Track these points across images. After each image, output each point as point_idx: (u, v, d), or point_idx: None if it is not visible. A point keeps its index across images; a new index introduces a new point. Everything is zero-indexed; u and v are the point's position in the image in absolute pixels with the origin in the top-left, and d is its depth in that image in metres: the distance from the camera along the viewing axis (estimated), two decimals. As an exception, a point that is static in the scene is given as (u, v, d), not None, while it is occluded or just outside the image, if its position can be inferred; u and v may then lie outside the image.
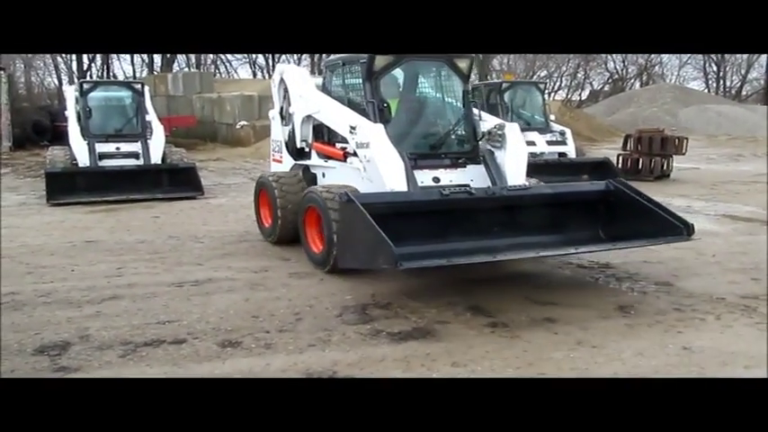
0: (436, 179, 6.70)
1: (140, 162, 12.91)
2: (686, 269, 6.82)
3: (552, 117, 15.59)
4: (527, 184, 6.71)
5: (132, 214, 10.47)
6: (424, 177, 6.63)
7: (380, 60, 6.81)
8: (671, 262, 7.09)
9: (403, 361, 4.39)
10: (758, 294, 5.92)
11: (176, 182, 12.51)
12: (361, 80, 6.99)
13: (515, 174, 6.78)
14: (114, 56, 43.72)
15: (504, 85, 15.47)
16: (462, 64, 7.21)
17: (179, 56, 44.15)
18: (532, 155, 14.28)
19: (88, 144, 12.65)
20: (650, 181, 14.40)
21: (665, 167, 14.94)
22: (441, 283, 6.18)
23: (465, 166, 6.93)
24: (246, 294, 5.90)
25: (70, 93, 14.04)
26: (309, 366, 4.29)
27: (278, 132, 8.88)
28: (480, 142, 7.12)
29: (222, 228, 9.26)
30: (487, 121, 7.23)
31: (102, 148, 12.81)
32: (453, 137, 7.14)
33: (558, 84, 54.52)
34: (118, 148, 13.01)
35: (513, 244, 6.01)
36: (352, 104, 7.13)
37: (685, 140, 15.37)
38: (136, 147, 13.10)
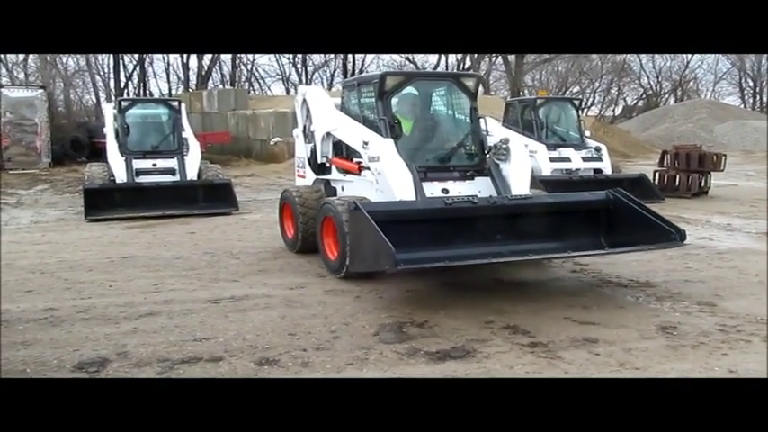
0: (445, 190, 7.13)
1: (177, 178, 13.06)
2: (729, 289, 6.68)
3: (587, 133, 15.50)
4: (530, 193, 7.16)
5: (168, 230, 10.55)
6: (434, 189, 7.08)
7: (391, 80, 7.41)
8: (712, 281, 6.96)
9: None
10: (804, 315, 5.77)
11: (212, 198, 12.61)
12: (374, 99, 7.49)
13: (519, 184, 7.17)
14: (150, 74, 44.49)
15: (539, 102, 15.44)
16: (469, 82, 7.71)
17: (214, 73, 44.80)
18: (568, 171, 14.26)
19: (126, 160, 12.86)
20: (688, 198, 14.20)
21: (702, 184, 14.71)
22: (478, 301, 6.12)
23: (473, 179, 7.36)
24: (283, 311, 5.89)
25: (108, 110, 14.29)
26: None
27: (301, 149, 9.46)
28: (487, 156, 7.50)
29: (257, 243, 9.29)
30: (494, 136, 7.68)
31: (139, 164, 13.02)
32: (461, 151, 7.59)
33: (591, 99, 54.31)
34: (155, 165, 13.19)
35: (516, 251, 6.38)
36: (366, 122, 7.65)
37: (723, 157, 15.12)
38: (172, 163, 13.27)
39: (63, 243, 9.46)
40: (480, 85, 8.16)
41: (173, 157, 13.35)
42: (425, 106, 7.94)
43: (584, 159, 14.58)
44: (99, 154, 17.47)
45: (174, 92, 43.10)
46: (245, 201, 14.00)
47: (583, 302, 6.18)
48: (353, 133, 7.67)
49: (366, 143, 7.16)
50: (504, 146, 7.33)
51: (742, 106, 51.10)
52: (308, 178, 9.16)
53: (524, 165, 7.40)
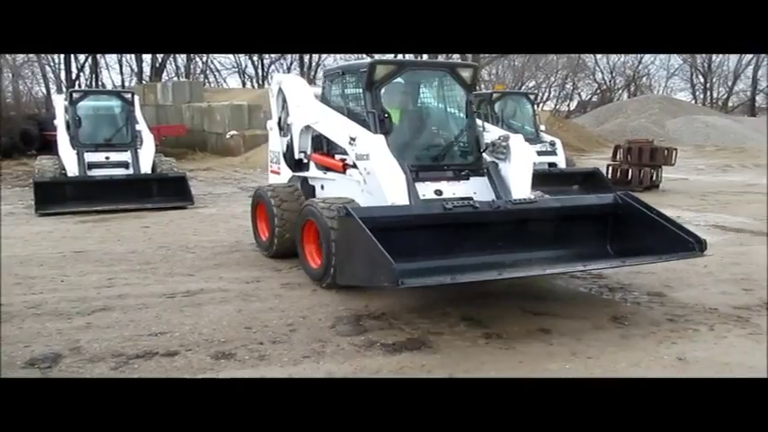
0: (438, 192, 6.57)
1: (130, 172, 12.85)
2: (678, 280, 6.83)
3: (542, 127, 15.65)
4: (532, 196, 6.58)
5: (122, 224, 10.40)
6: (426, 190, 6.49)
7: (381, 69, 6.68)
8: (663, 272, 7.10)
9: (398, 372, 4.36)
10: (750, 305, 5.93)
11: (166, 191, 12.45)
12: (361, 90, 6.84)
13: (520, 186, 6.65)
14: (103, 65, 43.70)
15: (495, 96, 15.52)
16: (465, 73, 7.02)
17: (168, 65, 44.22)
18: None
19: (77, 153, 12.59)
20: (640, 191, 14.40)
21: (654, 178, 15.00)
22: (434, 293, 6.14)
23: (468, 179, 6.79)
24: (239, 305, 5.86)
25: (59, 102, 13.96)
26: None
27: (276, 143, 8.66)
28: (484, 154, 6.99)
29: (213, 237, 9.21)
30: (491, 132, 7.15)
31: (91, 157, 12.76)
32: (456, 148, 6.99)
33: (546, 94, 54.84)
34: (107, 158, 12.95)
35: (519, 259, 5.84)
36: (351, 115, 6.98)
37: (674, 151, 15.45)
38: (125, 156, 13.05)
39: (13, 238, 9.24)
40: (477, 77, 7.41)
41: (126, 150, 13.12)
42: (417, 99, 7.30)
43: (540, 153, 14.67)
44: (50, 147, 17.10)
45: (127, 84, 42.50)
46: (200, 195, 13.88)
47: (537, 294, 6.28)
48: (338, 127, 6.98)
49: (353, 139, 6.55)
50: (503, 143, 6.82)
51: (693, 102, 52.15)
52: (283, 175, 8.41)
53: (526, 165, 6.84)
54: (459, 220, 5.80)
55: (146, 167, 13.04)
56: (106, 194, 11.86)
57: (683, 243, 5.78)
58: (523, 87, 46.84)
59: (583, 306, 5.92)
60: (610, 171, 15.31)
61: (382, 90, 6.77)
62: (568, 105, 54.96)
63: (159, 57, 41.84)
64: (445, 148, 6.92)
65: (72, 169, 12.50)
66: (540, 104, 52.69)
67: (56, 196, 11.62)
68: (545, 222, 6.19)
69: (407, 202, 6.11)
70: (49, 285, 6.60)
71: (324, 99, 7.64)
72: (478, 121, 7.21)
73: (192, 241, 8.90)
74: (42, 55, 38.43)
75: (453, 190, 6.64)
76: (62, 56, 38.96)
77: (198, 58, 46.11)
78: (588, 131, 33.76)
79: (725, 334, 5.17)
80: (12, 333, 5.15)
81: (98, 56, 41.51)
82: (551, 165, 14.67)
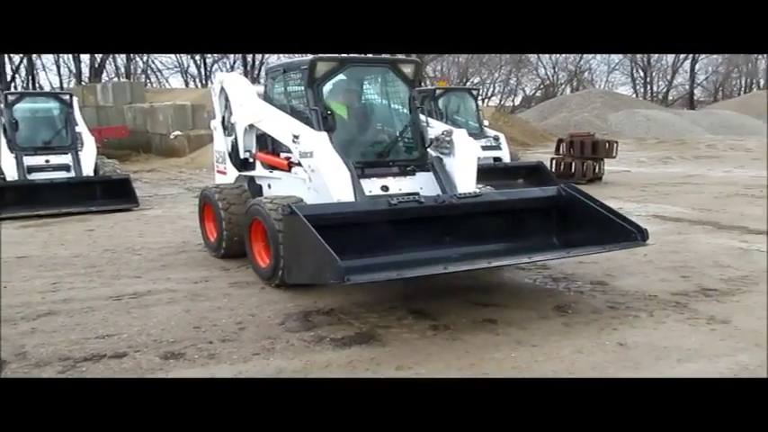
0: (385, 188, 6.58)
1: (72, 175, 12.59)
2: (620, 269, 7.02)
3: (486, 123, 15.85)
4: (477, 190, 6.65)
5: (66, 228, 10.22)
6: (372, 186, 6.51)
7: (322, 66, 6.67)
8: (605, 262, 7.28)
9: (348, 366, 4.41)
10: (688, 291, 6.14)
11: (110, 194, 12.26)
12: (303, 87, 6.82)
13: (465, 180, 6.70)
14: (39, 66, 42.69)
15: (438, 92, 15.67)
16: (407, 69, 7.05)
17: (108, 65, 43.40)
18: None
19: (16, 157, 12.29)
20: (583, 184, 14.71)
21: (596, 170, 15.35)
22: (382, 288, 6.20)
23: (414, 174, 6.82)
24: (187, 305, 5.83)
25: (-8, 104, 13.63)
26: (254, 375, 4.27)
27: (221, 143, 8.59)
28: (429, 149, 7.03)
29: (159, 239, 9.12)
30: (435, 128, 7.19)
31: (30, 161, 12.47)
32: (401, 144, 7.01)
33: (491, 90, 55.56)
34: (47, 161, 12.67)
35: (466, 253, 5.88)
36: (294, 112, 6.95)
37: (615, 144, 15.82)
38: (66, 159, 12.78)
39: (-49, 244, 9.03)
40: (420, 72, 7.44)
41: (66, 153, 12.84)
42: (360, 95, 7.25)
43: (484, 148, 14.85)
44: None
45: (65, 85, 41.56)
46: (145, 196, 13.70)
47: (483, 286, 6.39)
48: (281, 126, 6.95)
49: (297, 137, 6.53)
50: (447, 138, 6.85)
51: (634, 96, 53.38)
52: (229, 175, 8.32)
53: (470, 159, 6.87)
54: (404, 215, 5.83)
55: (88, 170, 12.79)
56: (48, 198, 11.61)
57: (626, 233, 5.89)
58: (468, 83, 47.31)
59: (528, 297, 6.05)
60: (554, 164, 15.60)
61: (324, 87, 6.77)
62: (513, 101, 55.81)
63: (98, 57, 41.03)
64: (390, 143, 6.93)
65: (11, 174, 12.19)
66: (485, 100, 53.48)
67: (-4, 201, 11.35)
68: (491, 216, 6.28)
69: (353, 199, 6.12)
70: (-10, 291, 6.47)
71: (266, 97, 7.59)
72: (422, 117, 7.24)
73: (137, 243, 8.80)
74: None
75: (399, 185, 6.66)
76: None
77: (138, 58, 45.42)
78: (532, 126, 34.28)
79: (663, 319, 5.34)
80: (-46, 340, 5.04)
81: (34, 57, 40.59)
82: (496, 159, 14.89)
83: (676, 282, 6.50)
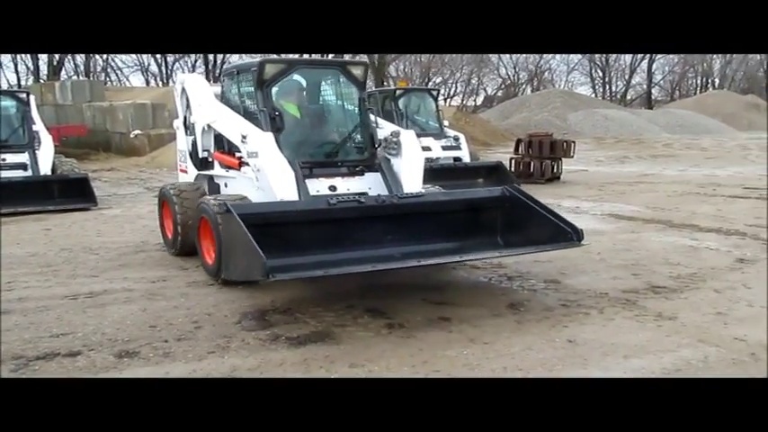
0: (332, 187, 6.69)
1: (29, 173, 12.44)
2: (573, 267, 7.17)
3: (446, 123, 16.00)
4: (423, 190, 6.77)
5: (22, 227, 10.10)
6: (320, 186, 6.64)
7: (270, 68, 6.82)
8: (559, 261, 7.43)
9: (302, 364, 4.47)
10: (638, 288, 6.30)
11: (68, 193, 12.13)
12: (253, 88, 6.97)
13: (411, 181, 6.83)
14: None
15: (399, 92, 15.77)
16: (357, 71, 7.22)
17: (66, 63, 42.69)
18: (428, 160, 14.67)
19: (-29, 156, 12.14)
20: (542, 183, 15.00)
21: (555, 170, 15.59)
22: (341, 287, 6.26)
23: (363, 174, 6.94)
24: (144, 305, 5.84)
25: (-49, 103, 13.41)
26: (209, 373, 4.31)
27: (183, 142, 8.73)
28: (378, 150, 7.14)
29: (118, 239, 9.07)
30: (384, 129, 7.30)
31: (-14, 159, 12.32)
32: (350, 144, 7.14)
33: (453, 89, 55.90)
34: (4, 160, 12.50)
35: (407, 252, 5.98)
36: (246, 113, 7.09)
37: (573, 144, 16.09)
38: (23, 158, 12.63)
39: None
40: (368, 73, 7.62)
41: (23, 152, 12.69)
42: (310, 96, 7.43)
43: (444, 148, 15.04)
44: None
45: (24, 83, 40.81)
46: (104, 196, 13.59)
47: (439, 285, 6.49)
48: (232, 126, 7.10)
49: (245, 137, 6.69)
50: (394, 139, 7.00)
51: (593, 95, 54.13)
52: (190, 173, 8.49)
53: (416, 160, 7.01)
54: (344, 215, 5.97)
55: (45, 169, 12.65)
56: (4, 197, 11.45)
57: (563, 233, 6.02)
58: (430, 83, 47.60)
59: (482, 295, 6.17)
60: (513, 164, 15.79)
61: (274, 89, 6.92)
62: (475, 101, 56.26)
63: (56, 55, 40.38)
64: (339, 144, 7.07)
65: (-34, 172, 12.03)
66: (447, 100, 53.86)
67: (-51, 201, 11.17)
68: (434, 216, 6.40)
69: (296, 198, 6.25)
70: (-57, 291, 6.40)
71: (224, 98, 7.72)
72: (374, 117, 7.38)
73: (95, 243, 8.75)
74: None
75: (347, 186, 6.78)
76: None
77: (98, 57, 44.80)
78: (494, 126, 34.60)
79: (613, 316, 5.49)
80: None
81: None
82: (456, 159, 15.04)
83: (627, 279, 6.66)
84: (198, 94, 8.04)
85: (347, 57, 25.84)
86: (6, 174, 12.24)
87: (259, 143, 6.54)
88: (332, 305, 5.73)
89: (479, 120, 35.63)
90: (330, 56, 18.68)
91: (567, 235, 6.00)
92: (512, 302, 5.87)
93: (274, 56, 6.98)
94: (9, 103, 13.48)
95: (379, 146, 7.13)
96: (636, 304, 5.82)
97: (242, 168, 7.15)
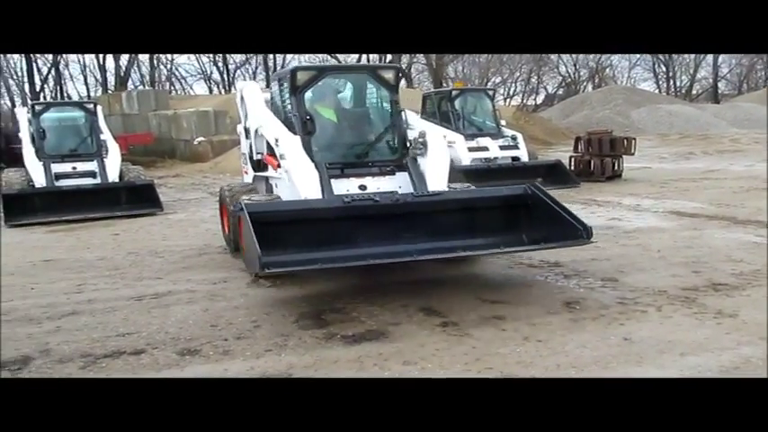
0: (363, 187, 6.94)
1: (97, 181, 12.93)
2: (632, 265, 7.09)
3: (503, 122, 15.95)
4: (446, 189, 6.93)
5: (92, 232, 10.50)
6: (351, 185, 6.92)
7: (302, 75, 7.20)
8: (617, 259, 7.37)
9: (356, 361, 4.55)
10: (698, 286, 6.18)
11: (135, 199, 12.58)
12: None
13: (436, 179, 6.98)
14: (67, 76, 43.37)
15: (455, 93, 15.79)
16: (388, 74, 7.48)
17: (133, 74, 43.96)
18: (486, 160, 14.68)
19: (44, 165, 12.68)
20: (602, 181, 14.79)
21: (615, 167, 15.34)
22: (395, 288, 6.37)
23: (394, 174, 7.15)
24: (206, 305, 6.03)
25: (23, 114, 14.07)
26: (266, 370, 4.43)
27: (244, 146, 9.27)
28: (409, 150, 7.34)
29: (182, 242, 9.35)
30: (415, 129, 7.47)
31: (58, 168, 12.88)
32: (381, 145, 7.39)
33: (513, 89, 55.41)
34: (74, 168, 13.06)
35: (423, 249, 6.13)
36: (286, 117, 7.47)
37: (633, 141, 15.82)
38: (92, 166, 13.16)
39: (-18, 250, 9.34)
40: (401, 77, 7.90)
41: (92, 160, 13.24)
42: (341, 100, 7.80)
43: (502, 148, 15.01)
44: (16, 160, 17.07)
45: (92, 94, 42.20)
46: (169, 201, 13.99)
47: (494, 284, 6.53)
48: (270, 130, 7.57)
49: (277, 140, 7.10)
50: (420, 139, 7.16)
51: (657, 91, 52.95)
52: (249, 175, 9.06)
53: (441, 159, 7.17)
54: (358, 213, 6.18)
55: (113, 176, 13.14)
56: (75, 204, 11.97)
57: (575, 231, 6.06)
58: (489, 83, 47.33)
59: (537, 293, 6.15)
60: (572, 163, 15.62)
61: (308, 94, 7.29)
62: (535, 100, 55.56)
63: (123, 66, 41.68)
64: (369, 145, 7.34)
65: (39, 180, 12.58)
66: (507, 100, 53.45)
67: (25, 207, 11.72)
68: (452, 213, 6.53)
69: (319, 197, 6.58)
70: (19, 293, 6.72)
71: (273, 104, 8.13)
72: (410, 118, 7.63)
73: (161, 246, 9.03)
74: (4, 67, 38.36)
75: (378, 185, 7.01)
76: (25, 69, 38.77)
77: (162, 66, 45.99)
78: (554, 125, 34.21)
79: (671, 314, 5.41)
80: (-17, 338, 5.27)
81: (61, 67, 41.33)
82: (514, 159, 14.99)
83: (687, 277, 6.55)
84: (251, 101, 8.51)
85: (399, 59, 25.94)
86: (76, 182, 12.77)
87: (287, 146, 6.96)
88: (387, 304, 5.81)
89: (539, 119, 35.28)
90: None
91: (577, 232, 6.04)
92: (567, 300, 5.85)
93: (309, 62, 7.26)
94: (77, 113, 14.07)
95: (408, 146, 7.32)
96: (695, 302, 5.72)
97: (278, 170, 7.54)
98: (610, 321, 5.27)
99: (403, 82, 7.87)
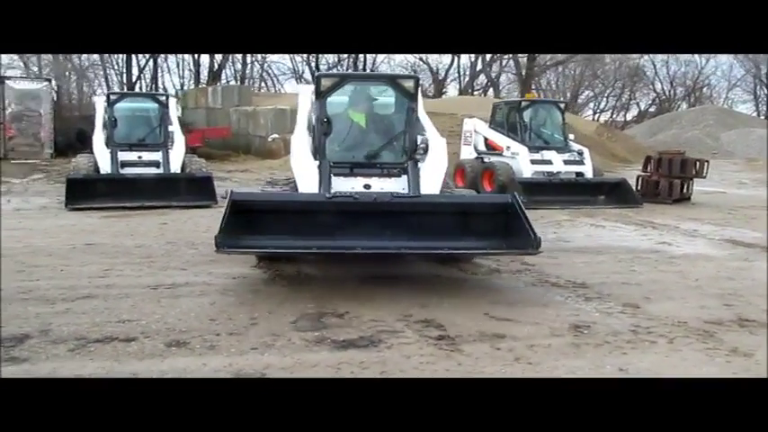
0: (367, 186, 7.34)
1: (161, 171, 13.31)
2: (662, 292, 6.80)
3: (571, 137, 15.54)
4: (432, 193, 7.20)
5: (143, 220, 10.81)
6: (356, 184, 7.32)
7: (326, 81, 7.66)
8: (649, 284, 7.08)
9: (334, 367, 4.50)
10: (723, 320, 5.86)
11: (193, 190, 12.85)
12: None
13: (430, 183, 7.31)
14: (165, 68, 44.86)
15: (524, 104, 15.53)
16: (407, 83, 7.75)
17: (227, 69, 45.13)
18: (548, 174, 14.38)
19: (111, 152, 13.13)
20: (668, 204, 14.27)
21: (684, 190, 14.76)
22: (408, 295, 6.32)
23: (400, 176, 7.47)
24: (214, 298, 6.11)
25: (99, 103, 14.59)
26: (242, 368, 4.43)
27: None
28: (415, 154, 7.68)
29: (222, 236, 9.48)
30: (427, 134, 7.85)
31: (124, 156, 13.31)
32: (390, 149, 7.74)
33: (605, 103, 54.16)
34: (140, 157, 13.49)
35: (402, 246, 6.61)
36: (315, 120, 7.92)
37: (706, 163, 15.18)
38: (157, 156, 13.56)
39: (36, 230, 9.75)
40: (419, 86, 8.15)
41: (158, 150, 13.63)
42: (360, 105, 8.09)
43: (566, 162, 14.68)
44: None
45: (186, 87, 43.57)
46: (228, 194, 14.22)
47: (510, 300, 6.35)
48: (296, 131, 8.22)
49: (293, 140, 7.93)
50: (422, 145, 7.55)
51: (755, 114, 50.72)
52: None
53: (438, 164, 7.54)
54: (339, 208, 6.67)
55: (175, 167, 13.52)
56: (135, 192, 12.34)
57: (529, 241, 6.20)
58: (580, 97, 46.43)
59: (549, 314, 5.94)
60: (640, 182, 15.13)
61: (329, 98, 7.65)
62: (625, 116, 54.14)
63: (217, 62, 42.83)
64: (380, 148, 7.69)
65: (105, 167, 13.06)
66: (597, 114, 52.30)
67: (87, 192, 12.14)
68: (429, 216, 6.89)
69: (316, 192, 7.07)
70: (48, 273, 6.97)
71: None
72: (425, 125, 7.96)
73: (200, 238, 9.18)
74: (106, 58, 40.09)
75: (382, 185, 7.39)
76: (124, 59, 40.39)
77: (257, 63, 46.99)
78: (637, 142, 33.18)
79: (681, 347, 5.13)
80: (-6, 313, 5.49)
81: (159, 60, 42.79)
82: (578, 174, 14.63)
83: (716, 309, 6.22)
84: (300, 105, 8.93)
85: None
86: (140, 170, 13.19)
87: (294, 145, 7.84)
88: (390, 312, 5.75)
89: (623, 135, 34.33)
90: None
91: (530, 241, 6.18)
92: (577, 324, 5.63)
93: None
94: (150, 105, 14.55)
95: (415, 151, 7.63)
96: (713, 336, 5.41)
97: None
98: (612, 349, 5.06)
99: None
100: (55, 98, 25.76)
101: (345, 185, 7.20)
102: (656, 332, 5.48)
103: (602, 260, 8.32)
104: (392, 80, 8.07)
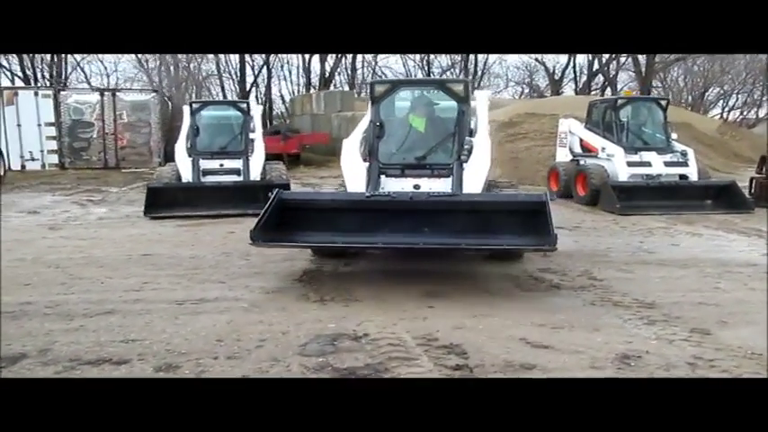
0: (417, 186, 7.71)
1: (240, 179, 13.25)
2: (743, 315, 5.92)
3: (674, 136, 14.29)
4: (471, 192, 7.50)
5: (212, 229, 10.69)
6: (406, 184, 7.72)
7: (378, 88, 8.18)
8: (731, 305, 6.20)
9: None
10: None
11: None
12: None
13: (471, 183, 7.64)
14: (281, 76, 45.65)
15: (620, 102, 14.43)
16: (457, 87, 8.10)
17: (338, 75, 45.39)
18: (647, 177, 13.30)
19: (192, 160, 13.18)
20: (776, 209, 12.86)
21: (804, 194, 13.28)
22: (446, 314, 5.80)
23: (448, 176, 7.75)
24: (234, 316, 5.77)
25: (186, 112, 14.72)
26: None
27: None
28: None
29: (282, 246, 9.23)
30: (477, 137, 8.15)
31: (206, 164, 13.31)
32: (440, 150, 8.00)
33: (735, 101, 50.88)
34: (221, 165, 13.47)
35: (436, 242, 6.80)
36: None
37: (831, 165, 13.62)
38: (238, 164, 13.49)
39: (105, 239, 9.81)
40: (469, 89, 8.47)
41: (239, 158, 13.56)
42: (411, 109, 8.42)
43: (668, 164, 13.52)
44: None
45: (296, 93, 44.19)
46: (310, 202, 14.03)
47: (557, 322, 5.65)
48: (352, 135, 8.54)
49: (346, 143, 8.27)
50: (467, 146, 7.72)
51: None
52: None
53: (480, 165, 7.79)
54: (378, 207, 7.01)
55: (255, 174, 13.42)
56: (214, 200, 12.29)
57: (548, 238, 6.26)
58: (707, 94, 43.71)
59: (597, 340, 5.19)
60: (753, 185, 13.76)
61: (382, 103, 8.06)
62: (757, 113, 50.56)
63: (328, 68, 43.22)
64: (429, 150, 7.98)
65: (186, 176, 13.11)
66: (728, 112, 49.15)
67: (167, 201, 12.19)
68: (466, 214, 7.01)
69: (362, 191, 7.42)
70: (86, 287, 6.86)
71: None
72: (479, 127, 8.35)
73: (256, 249, 8.92)
74: (223, 68, 41.30)
75: (431, 185, 7.72)
76: (239, 68, 41.42)
77: (370, 68, 46.99)
78: (764, 142, 30.75)
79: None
80: (9, 331, 5.34)
81: (272, 68, 43.63)
82: (682, 177, 13.47)
83: (804, 339, 5.32)
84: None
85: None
86: (221, 178, 13.17)
87: (344, 147, 8.18)
88: (417, 334, 5.24)
89: (749, 134, 31.85)
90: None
91: (548, 239, 6.25)
92: (627, 353, 4.88)
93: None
94: (231, 113, 14.53)
95: (462, 152, 7.83)
96: (790, 373, 4.59)
97: None
98: (658, 386, 4.33)
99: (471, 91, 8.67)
100: (170, 108, 26.57)
101: (396, 186, 7.64)
102: (720, 366, 4.66)
103: (683, 275, 7.43)
104: (443, 85, 8.35)
